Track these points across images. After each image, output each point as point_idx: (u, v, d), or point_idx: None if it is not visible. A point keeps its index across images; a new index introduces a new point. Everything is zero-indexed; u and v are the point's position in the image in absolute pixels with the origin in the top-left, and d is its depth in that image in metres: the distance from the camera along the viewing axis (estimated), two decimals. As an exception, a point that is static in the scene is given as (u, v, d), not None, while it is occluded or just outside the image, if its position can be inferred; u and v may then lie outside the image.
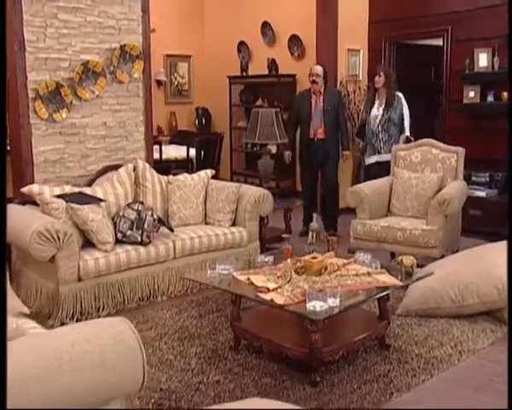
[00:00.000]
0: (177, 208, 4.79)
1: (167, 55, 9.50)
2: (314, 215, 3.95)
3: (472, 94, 6.25)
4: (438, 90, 6.87)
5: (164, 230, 4.50)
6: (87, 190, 4.48)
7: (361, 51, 7.35)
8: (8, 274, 2.98)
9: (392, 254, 4.96)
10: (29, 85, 4.67)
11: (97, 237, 4.10)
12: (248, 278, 3.23)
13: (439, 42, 6.80)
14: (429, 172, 5.07)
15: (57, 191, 4.32)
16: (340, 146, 6.20)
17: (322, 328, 2.91)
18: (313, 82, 6.02)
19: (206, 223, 4.89)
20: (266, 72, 8.59)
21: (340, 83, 7.19)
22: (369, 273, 3.29)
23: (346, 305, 2.91)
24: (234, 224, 4.91)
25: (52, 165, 4.86)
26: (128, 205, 4.36)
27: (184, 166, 7.63)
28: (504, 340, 3.40)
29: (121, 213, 4.29)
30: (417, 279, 3.40)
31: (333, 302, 2.81)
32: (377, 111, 5.86)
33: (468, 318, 3.84)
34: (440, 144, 5.15)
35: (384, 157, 5.79)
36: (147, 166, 4.88)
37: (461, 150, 5.02)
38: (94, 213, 4.09)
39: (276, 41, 8.68)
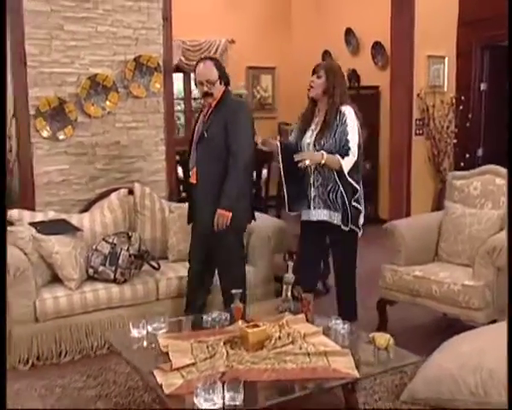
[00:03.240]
0: (176, 240, 4.20)
1: (249, 68, 8.99)
2: (289, 264, 3.15)
3: None
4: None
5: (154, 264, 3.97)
6: (74, 217, 4.08)
7: (446, 58, 6.26)
8: None
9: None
10: (30, 102, 4.37)
11: (62, 272, 3.64)
12: (167, 346, 2.55)
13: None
14: (490, 208, 3.96)
15: (39, 217, 3.97)
16: None
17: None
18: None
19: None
20: (347, 84, 7.75)
21: (418, 95, 6.16)
22: (325, 353, 2.45)
23: (249, 407, 2.09)
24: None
25: (56, 187, 4.51)
26: (103, 237, 3.87)
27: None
28: None
29: (94, 247, 3.80)
30: (392, 369, 2.48)
31: (231, 399, 2.04)
32: (310, 137, 3.59)
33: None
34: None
35: (316, 215, 3.62)
36: (146, 191, 4.35)
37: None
38: (62, 245, 3.64)
39: (359, 49, 7.79)
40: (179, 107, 8.67)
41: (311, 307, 2.90)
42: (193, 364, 2.36)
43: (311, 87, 3.54)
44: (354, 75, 7.59)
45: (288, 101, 9.07)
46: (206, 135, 3.48)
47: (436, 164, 6.38)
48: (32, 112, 4.39)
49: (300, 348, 2.49)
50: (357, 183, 3.54)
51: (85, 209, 4.36)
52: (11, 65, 4.43)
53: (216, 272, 3.69)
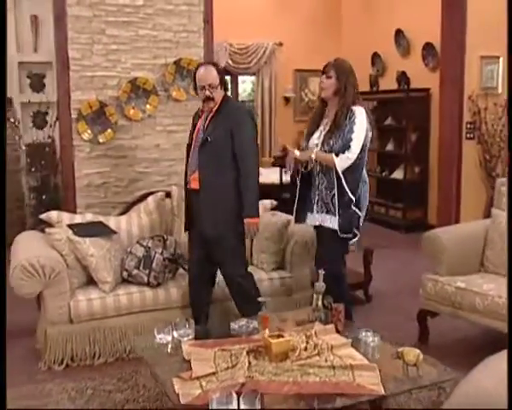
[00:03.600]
0: (210, 245, 4.19)
1: (297, 70, 8.90)
2: (320, 272, 3.04)
3: None
4: None
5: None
6: (111, 220, 4.11)
7: (501, 59, 5.99)
8: None
9: None
10: (72, 105, 4.45)
11: (96, 274, 3.67)
12: (190, 353, 2.51)
13: None
14: (540, 216, 3.75)
15: (77, 220, 4.02)
16: None
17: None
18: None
19: (251, 264, 4.20)
20: (396, 86, 7.55)
21: (469, 97, 5.92)
22: (351, 367, 2.34)
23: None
24: (280, 267, 4.17)
25: (96, 189, 4.58)
26: (138, 240, 3.87)
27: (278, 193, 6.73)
28: None
29: (129, 250, 3.81)
30: (420, 387, 2.34)
31: (247, 413, 1.97)
32: (318, 138, 3.46)
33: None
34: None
35: (316, 219, 3.51)
36: (183, 194, 4.34)
37: None
38: (97, 247, 3.67)
39: (409, 51, 7.57)
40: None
41: (342, 318, 2.80)
42: (213, 373, 2.31)
43: (322, 88, 3.43)
44: (404, 77, 7.38)
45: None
46: (209, 139, 3.43)
47: (488, 169, 6.11)
48: (73, 115, 4.46)
49: (326, 361, 2.40)
50: (354, 186, 3.35)
51: (124, 212, 4.38)
52: (55, 69, 4.55)
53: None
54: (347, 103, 3.32)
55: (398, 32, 7.64)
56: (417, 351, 2.32)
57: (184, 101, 4.78)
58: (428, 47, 7.10)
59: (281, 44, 8.59)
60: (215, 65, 3.58)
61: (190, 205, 3.62)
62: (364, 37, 8.37)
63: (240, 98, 9.17)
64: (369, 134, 3.38)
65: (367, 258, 4.77)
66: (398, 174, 7.52)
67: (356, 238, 3.44)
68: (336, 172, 3.29)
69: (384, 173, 7.84)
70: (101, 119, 4.51)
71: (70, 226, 3.82)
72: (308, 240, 4.08)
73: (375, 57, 8.18)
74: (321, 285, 2.96)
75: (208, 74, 3.43)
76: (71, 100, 4.45)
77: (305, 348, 2.52)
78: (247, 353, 2.45)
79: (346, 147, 3.28)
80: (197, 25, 4.79)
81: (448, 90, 5.93)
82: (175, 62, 4.67)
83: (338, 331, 2.75)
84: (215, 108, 3.48)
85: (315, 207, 3.48)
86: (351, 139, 3.27)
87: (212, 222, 3.45)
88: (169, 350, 2.64)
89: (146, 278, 3.71)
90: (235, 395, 1.98)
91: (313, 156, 3.36)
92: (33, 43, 6.38)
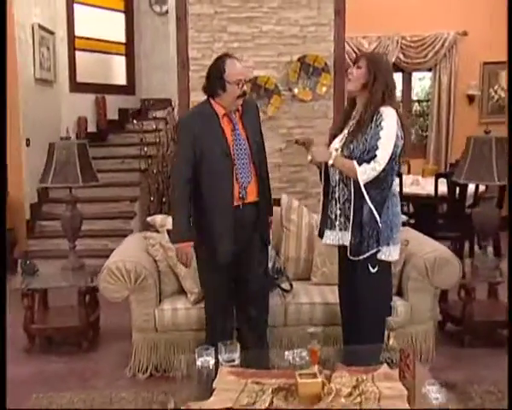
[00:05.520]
0: (321, 262, 3.97)
1: (485, 63, 8.14)
2: (393, 304, 2.66)
3: None
4: None
5: (286, 286, 3.85)
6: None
7: None
8: None
9: None
10: (191, 106, 4.63)
11: (185, 283, 3.72)
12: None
13: None
14: None
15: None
16: None
17: None
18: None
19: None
20: None
21: None
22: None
23: None
24: (397, 293, 3.83)
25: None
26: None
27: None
28: None
29: (221, 260, 3.81)
30: None
31: None
32: (339, 142, 3.09)
33: None
34: None
35: (338, 237, 3.11)
36: (294, 203, 4.19)
37: None
38: None
39: None
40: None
41: (410, 363, 2.46)
42: (227, 409, 2.20)
43: (349, 80, 3.05)
44: None
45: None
46: (255, 145, 3.26)
47: None
48: (193, 117, 4.63)
49: (360, 413, 2.13)
50: (380, 202, 2.93)
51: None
52: (177, 69, 4.77)
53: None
54: (375, 101, 2.92)
55: None
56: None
57: (310, 101, 4.67)
58: None
59: (465, 34, 7.94)
60: None
61: (242, 223, 3.24)
62: None
63: (415, 98, 8.72)
64: (400, 142, 2.93)
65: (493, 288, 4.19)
66: None
67: (376, 267, 2.99)
68: (356, 184, 2.91)
69: None
70: (221, 121, 4.62)
71: (168, 232, 3.96)
72: (428, 265, 3.71)
73: None
74: (395, 321, 2.65)
75: (244, 68, 3.25)
76: (190, 101, 4.63)
77: (350, 394, 2.28)
78: (275, 390, 2.27)
79: (370, 155, 2.88)
80: (327, 17, 4.62)
81: None
82: (299, 59, 4.57)
83: (403, 378, 2.44)
84: (241, 108, 3.25)
85: (337, 222, 3.10)
86: (377, 147, 2.87)
87: (254, 235, 3.32)
88: (205, 375, 2.58)
89: (234, 293, 3.68)
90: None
91: (330, 162, 2.99)
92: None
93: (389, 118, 2.90)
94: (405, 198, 5.84)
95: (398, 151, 2.93)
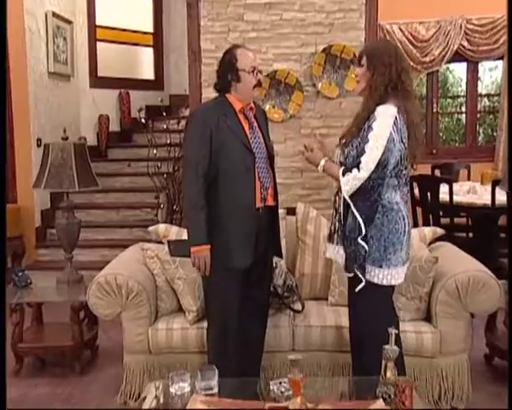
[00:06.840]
0: (338, 279, 3.94)
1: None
2: (390, 330, 2.63)
3: None
4: None
5: (297, 306, 3.86)
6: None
7: None
8: None
9: None
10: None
11: (183, 300, 3.74)
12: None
13: None
14: None
15: (185, 235, 4.21)
16: None
17: None
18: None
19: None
20: None
21: None
22: None
23: None
24: (424, 318, 3.79)
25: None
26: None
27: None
28: None
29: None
30: None
31: None
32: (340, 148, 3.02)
33: None
34: None
35: (335, 251, 3.11)
36: (311, 213, 4.06)
37: None
38: (187, 270, 3.55)
39: None
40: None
41: (406, 399, 2.46)
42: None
43: (357, 81, 2.96)
44: None
45: None
46: (273, 144, 3.27)
47: None
48: (205, 116, 4.69)
49: None
50: (368, 215, 2.88)
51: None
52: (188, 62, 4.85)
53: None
54: (372, 98, 2.81)
55: None
56: None
57: (336, 98, 4.66)
58: None
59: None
60: None
61: (262, 229, 3.28)
62: None
63: (485, 92, 8.54)
64: (398, 146, 2.75)
65: None
66: None
67: (361, 284, 2.90)
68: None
69: None
70: (235, 120, 4.67)
71: (169, 243, 4.05)
72: (459, 286, 3.66)
73: None
74: (392, 349, 2.63)
75: (255, 57, 3.21)
76: (202, 97, 4.69)
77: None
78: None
79: (354, 163, 2.77)
80: (357, 1, 4.61)
81: None
82: (324, 50, 4.48)
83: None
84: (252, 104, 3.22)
85: (335, 235, 3.02)
86: (363, 152, 2.75)
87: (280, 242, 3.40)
88: (178, 404, 2.63)
89: (238, 313, 3.71)
90: None
91: (322, 163, 2.96)
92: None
93: (381, 117, 2.76)
94: (459, 208, 5.76)
95: (392, 156, 2.78)
